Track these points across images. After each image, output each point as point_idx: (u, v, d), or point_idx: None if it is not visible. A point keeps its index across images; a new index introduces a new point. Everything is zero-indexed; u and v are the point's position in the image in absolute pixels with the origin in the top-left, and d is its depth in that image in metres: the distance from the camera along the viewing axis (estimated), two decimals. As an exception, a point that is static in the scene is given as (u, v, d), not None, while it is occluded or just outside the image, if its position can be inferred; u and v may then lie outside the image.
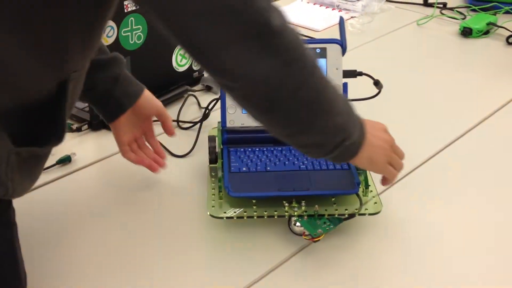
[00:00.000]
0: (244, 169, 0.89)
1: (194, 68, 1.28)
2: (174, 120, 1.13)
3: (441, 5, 1.75)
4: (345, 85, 0.96)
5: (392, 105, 1.22)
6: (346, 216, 0.83)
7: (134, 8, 1.08)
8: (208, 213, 0.84)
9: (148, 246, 0.84)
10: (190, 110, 1.21)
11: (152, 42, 1.14)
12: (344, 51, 0.96)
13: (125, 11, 1.07)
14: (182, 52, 1.22)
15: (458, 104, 1.24)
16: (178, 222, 0.89)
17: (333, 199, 0.86)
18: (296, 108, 0.66)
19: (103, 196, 0.95)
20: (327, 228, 0.82)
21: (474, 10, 1.71)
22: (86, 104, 1.10)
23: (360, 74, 1.01)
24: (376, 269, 0.81)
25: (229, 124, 0.96)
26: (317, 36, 1.57)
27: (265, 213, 0.83)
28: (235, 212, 0.84)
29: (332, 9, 1.76)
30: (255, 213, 0.83)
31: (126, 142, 0.94)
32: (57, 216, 0.89)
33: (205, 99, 1.25)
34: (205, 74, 1.31)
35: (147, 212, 0.91)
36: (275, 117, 0.67)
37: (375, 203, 0.86)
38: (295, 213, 0.83)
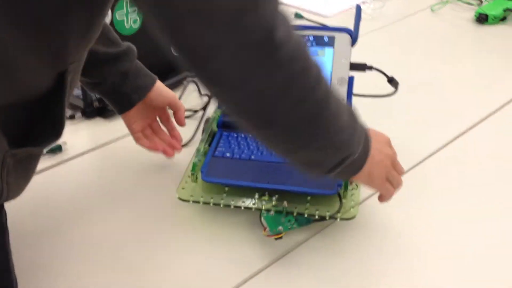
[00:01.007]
0: (227, 154, 0.86)
1: (195, 54, 1.23)
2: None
3: (457, -10, 1.67)
4: (351, 79, 0.89)
5: (402, 94, 1.16)
6: (316, 217, 0.78)
7: (129, -10, 1.03)
8: (177, 196, 0.80)
9: (140, 240, 0.80)
10: (190, 97, 1.16)
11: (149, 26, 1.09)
12: (354, 41, 0.90)
13: (120, -8, 1.02)
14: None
15: (472, 93, 1.18)
16: (172, 214, 0.84)
17: (308, 197, 0.80)
18: (295, 123, 0.60)
19: (94, 187, 0.91)
20: (289, 227, 0.77)
21: (491, -4, 1.63)
22: (80, 91, 1.06)
23: (370, 68, 0.93)
24: (362, 275, 0.76)
25: None
26: (327, 22, 1.51)
27: (232, 202, 0.80)
28: (202, 197, 0.80)
29: (343, -6, 1.70)
30: (221, 201, 0.80)
31: (139, 130, 0.91)
32: (44, 208, 0.86)
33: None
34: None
35: (140, 204, 0.87)
36: (272, 132, 0.61)
37: (352, 208, 0.79)
38: (263, 207, 0.78)
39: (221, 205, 0.80)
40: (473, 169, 0.95)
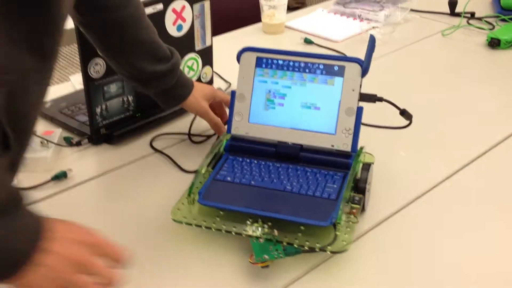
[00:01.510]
0: (228, 178, 0.86)
1: (203, 80, 1.24)
2: (185, 133, 1.10)
3: (469, 15, 1.66)
4: (359, 110, 0.88)
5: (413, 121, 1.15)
6: (306, 248, 0.76)
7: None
8: (171, 216, 0.81)
9: (144, 270, 0.79)
10: (203, 122, 1.16)
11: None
12: (364, 72, 0.88)
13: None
14: (189, 64, 1.19)
15: (483, 119, 1.16)
16: (177, 242, 0.83)
17: (302, 227, 0.78)
18: None
19: (98, 214, 0.90)
20: (275, 256, 0.76)
21: (503, 20, 1.62)
22: (87, 118, 1.06)
23: (381, 99, 0.90)
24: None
25: (233, 131, 0.93)
26: (336, 47, 1.51)
27: (223, 227, 0.79)
28: (194, 220, 0.81)
29: (354, 19, 1.70)
30: (213, 225, 0.80)
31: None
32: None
33: (213, 112, 1.20)
34: (214, 87, 1.27)
35: (143, 231, 0.86)
36: None
37: (344, 241, 0.77)
38: (253, 234, 0.78)
39: (213, 229, 0.79)
40: (485, 197, 0.93)
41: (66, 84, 1.35)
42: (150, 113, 1.14)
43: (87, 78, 1.01)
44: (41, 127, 1.13)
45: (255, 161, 0.90)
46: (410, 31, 1.62)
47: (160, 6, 1.07)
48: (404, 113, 0.93)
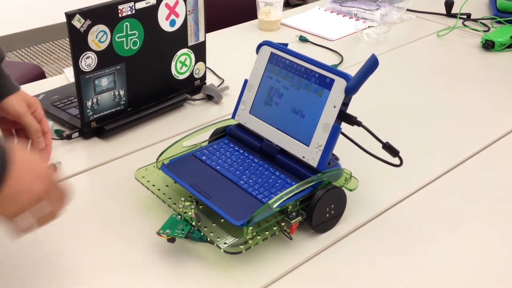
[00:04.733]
0: (203, 158, 0.92)
1: (196, 76, 1.24)
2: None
3: (465, 16, 1.67)
4: (334, 128, 0.83)
5: (405, 120, 1.15)
6: (208, 239, 0.79)
7: (129, 13, 1.04)
8: (134, 175, 0.91)
9: (130, 268, 0.80)
10: (209, 112, 1.15)
11: (150, 49, 1.10)
12: (349, 90, 0.82)
13: (120, 15, 1.03)
14: (182, 59, 1.19)
15: (475, 120, 1.16)
16: (166, 244, 0.84)
17: (222, 220, 0.81)
18: None
19: (86, 207, 0.90)
20: (175, 234, 0.79)
21: (499, 22, 1.62)
22: (78, 112, 1.06)
23: (358, 124, 0.84)
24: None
25: (236, 118, 0.96)
26: (331, 45, 1.51)
27: (163, 195, 0.87)
28: (148, 182, 0.90)
29: (350, 18, 1.70)
30: (157, 191, 0.88)
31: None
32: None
33: (205, 108, 1.20)
34: (207, 83, 1.27)
35: (131, 226, 0.86)
36: None
37: (242, 245, 0.77)
38: (178, 210, 0.83)
39: (155, 195, 0.87)
40: (472, 198, 0.93)
41: (60, 76, 1.35)
42: (141, 108, 1.14)
43: (78, 71, 1.01)
44: (33, 119, 1.13)
45: (241, 151, 0.93)
46: (405, 31, 1.62)
47: (153, 1, 1.07)
48: (388, 147, 0.84)
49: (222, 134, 0.99)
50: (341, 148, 0.93)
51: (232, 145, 0.94)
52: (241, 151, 0.93)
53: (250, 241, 0.78)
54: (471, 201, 0.93)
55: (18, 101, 0.91)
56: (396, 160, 0.85)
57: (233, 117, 0.97)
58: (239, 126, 0.96)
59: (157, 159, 0.91)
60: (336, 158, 0.99)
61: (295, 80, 0.89)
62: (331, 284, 0.77)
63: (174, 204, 0.84)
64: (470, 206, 0.92)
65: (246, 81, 0.96)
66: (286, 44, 0.93)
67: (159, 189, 0.88)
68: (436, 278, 0.78)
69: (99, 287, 0.76)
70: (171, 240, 0.79)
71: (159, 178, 0.90)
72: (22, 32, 3.54)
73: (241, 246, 0.77)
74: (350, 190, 0.87)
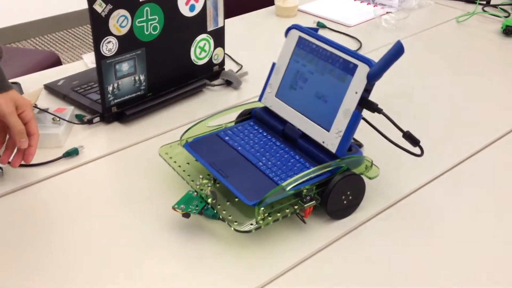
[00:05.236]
0: (226, 138, 0.93)
1: (214, 61, 1.24)
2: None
3: (484, 2, 1.65)
4: (355, 115, 0.82)
5: (424, 107, 1.15)
6: (220, 217, 0.80)
7: (150, -3, 1.04)
8: (158, 151, 0.93)
9: (147, 244, 0.80)
10: (230, 97, 1.15)
11: (169, 34, 1.10)
12: (372, 77, 0.81)
13: (140, 0, 1.03)
14: (201, 44, 1.19)
15: (497, 107, 1.15)
16: (182, 221, 0.84)
17: (236, 199, 0.82)
18: None
19: (108, 191, 0.91)
20: (189, 210, 0.80)
21: (519, 8, 1.60)
22: (99, 96, 1.07)
23: (379, 111, 0.83)
24: None
25: (263, 101, 0.97)
26: (349, 31, 1.50)
27: (183, 172, 0.88)
28: (170, 158, 0.91)
29: (367, 4, 1.69)
30: (178, 168, 0.89)
31: None
32: (57, 209, 0.87)
33: (225, 94, 1.20)
34: (226, 68, 1.27)
35: (151, 209, 0.87)
36: None
37: (253, 224, 0.78)
38: (195, 187, 0.84)
39: (174, 170, 0.89)
40: (494, 185, 0.93)
41: (78, 62, 1.35)
42: (161, 93, 1.14)
43: (99, 56, 1.02)
44: (53, 104, 1.14)
45: (264, 134, 0.93)
46: (424, 17, 1.61)
47: (173, -14, 1.07)
48: (409, 136, 0.83)
49: (249, 116, 0.99)
50: (364, 135, 0.93)
51: (256, 127, 0.95)
52: (264, 134, 0.93)
53: (261, 222, 0.78)
54: (494, 188, 0.93)
55: (5, 101, 0.91)
56: (417, 150, 0.84)
57: (259, 99, 0.97)
58: (265, 109, 0.97)
59: (181, 137, 0.92)
60: (360, 145, 0.98)
61: (320, 65, 0.89)
62: (351, 267, 0.77)
63: (192, 181, 0.86)
64: (493, 194, 0.91)
65: (274, 64, 0.95)
66: (317, 29, 0.93)
67: (179, 166, 0.89)
68: (455, 266, 0.78)
69: (112, 257, 0.77)
70: (186, 215, 0.81)
71: (182, 156, 0.92)
72: (37, 20, 3.56)
73: (251, 225, 0.77)
74: (370, 178, 0.87)
